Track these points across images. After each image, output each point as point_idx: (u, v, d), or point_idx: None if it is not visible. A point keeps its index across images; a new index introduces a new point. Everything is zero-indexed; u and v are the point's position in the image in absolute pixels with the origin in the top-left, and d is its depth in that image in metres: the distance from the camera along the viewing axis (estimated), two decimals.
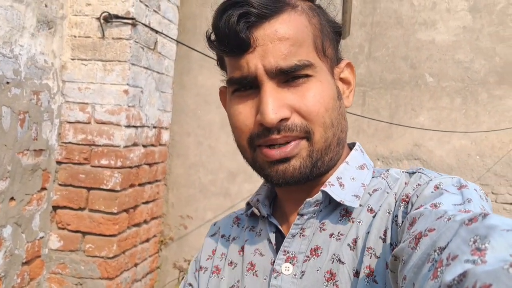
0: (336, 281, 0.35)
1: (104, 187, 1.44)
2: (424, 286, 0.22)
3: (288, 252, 0.38)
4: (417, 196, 0.33)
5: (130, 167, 1.53)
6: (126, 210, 1.52)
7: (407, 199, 0.34)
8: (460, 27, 2.44)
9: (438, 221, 0.25)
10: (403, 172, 0.39)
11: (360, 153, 0.43)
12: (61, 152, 1.47)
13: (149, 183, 1.71)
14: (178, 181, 1.89)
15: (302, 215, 0.38)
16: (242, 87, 0.37)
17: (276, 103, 0.35)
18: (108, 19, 1.43)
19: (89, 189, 1.46)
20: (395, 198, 0.36)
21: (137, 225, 1.64)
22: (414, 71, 2.42)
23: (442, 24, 2.44)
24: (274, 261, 0.39)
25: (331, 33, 0.40)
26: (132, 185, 1.56)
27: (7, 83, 1.20)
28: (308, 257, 0.37)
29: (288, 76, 0.36)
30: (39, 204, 1.39)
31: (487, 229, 0.21)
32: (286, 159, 0.36)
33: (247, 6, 0.34)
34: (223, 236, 0.47)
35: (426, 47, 2.41)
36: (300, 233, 0.38)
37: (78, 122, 1.47)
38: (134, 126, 1.54)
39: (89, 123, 1.47)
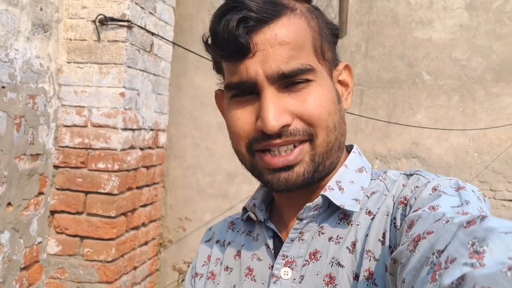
0: (335, 285, 0.35)
1: (102, 190, 1.44)
2: None
3: (287, 257, 0.38)
4: (415, 198, 0.33)
5: (128, 170, 1.52)
6: (124, 214, 1.52)
7: (405, 202, 0.34)
8: (456, 25, 2.45)
9: (436, 224, 0.25)
10: (400, 174, 0.39)
11: (358, 156, 0.43)
12: (58, 156, 1.46)
13: (147, 185, 1.70)
14: (176, 183, 1.89)
15: (301, 219, 0.38)
16: (241, 92, 0.37)
17: (277, 109, 0.34)
18: (104, 21, 1.42)
19: (86, 193, 1.45)
20: (393, 200, 0.36)
21: (136, 228, 1.63)
22: (411, 70, 2.43)
23: (438, 22, 2.44)
24: (272, 266, 0.39)
25: (329, 36, 0.39)
26: (129, 188, 1.55)
27: (3, 87, 1.19)
28: (307, 261, 0.37)
29: (289, 81, 0.35)
30: (36, 209, 1.38)
31: (485, 232, 0.21)
32: (289, 167, 0.36)
33: (246, 10, 0.33)
34: (217, 241, 0.47)
35: (423, 46, 2.41)
36: (299, 237, 0.38)
37: (75, 125, 1.46)
38: (131, 129, 1.54)
39: (85, 126, 1.46)
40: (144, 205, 1.69)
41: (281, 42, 0.34)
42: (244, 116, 0.36)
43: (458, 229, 0.23)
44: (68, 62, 1.47)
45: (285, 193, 0.39)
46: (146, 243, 1.72)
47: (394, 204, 0.36)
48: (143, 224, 1.69)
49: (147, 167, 1.70)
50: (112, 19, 1.42)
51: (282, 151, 0.36)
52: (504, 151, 2.40)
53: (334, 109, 0.37)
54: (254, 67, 0.34)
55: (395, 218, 0.34)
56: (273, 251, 0.40)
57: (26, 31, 1.28)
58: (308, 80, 0.35)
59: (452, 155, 2.41)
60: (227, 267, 0.43)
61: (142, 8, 1.53)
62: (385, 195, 0.37)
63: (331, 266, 0.35)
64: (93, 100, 1.46)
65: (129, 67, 1.47)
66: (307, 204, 0.37)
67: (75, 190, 1.45)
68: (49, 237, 1.46)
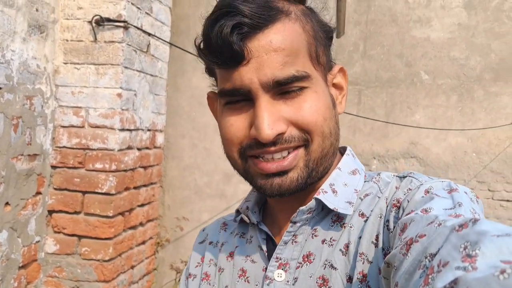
0: (329, 287, 0.35)
1: (99, 190, 1.45)
2: None
3: (280, 259, 0.38)
4: (408, 201, 0.33)
5: (125, 171, 1.53)
6: (121, 213, 1.53)
7: (398, 204, 0.34)
8: (455, 24, 2.44)
9: (429, 227, 0.25)
10: (394, 176, 0.39)
11: (351, 158, 0.42)
12: (55, 156, 1.47)
13: (144, 186, 1.71)
14: (174, 183, 1.90)
15: (294, 222, 0.38)
16: (235, 99, 0.36)
17: (271, 118, 0.34)
18: (100, 22, 1.42)
19: (84, 193, 1.46)
20: (386, 202, 0.36)
21: (133, 227, 1.64)
22: (409, 69, 2.42)
23: (437, 21, 2.43)
24: (266, 268, 0.39)
25: (324, 39, 0.39)
26: (127, 188, 1.56)
27: (0, 88, 1.20)
28: (301, 263, 0.37)
29: (283, 89, 0.35)
30: (34, 209, 1.39)
31: (477, 235, 0.21)
32: (283, 172, 0.36)
33: (240, 16, 0.33)
34: (211, 243, 0.47)
35: (421, 45, 2.40)
36: (292, 239, 0.38)
37: (72, 126, 1.47)
38: (128, 130, 1.54)
39: (83, 127, 1.47)
40: (142, 205, 1.70)
41: (276, 48, 0.34)
42: (237, 123, 0.36)
43: (450, 232, 0.23)
44: (65, 63, 1.47)
45: (278, 198, 0.39)
46: (143, 243, 1.73)
47: (387, 206, 0.36)
48: (141, 224, 1.70)
49: (145, 167, 1.70)
50: (109, 20, 1.42)
51: (276, 157, 0.36)
52: (502, 151, 2.39)
53: (330, 114, 0.37)
54: (248, 75, 0.34)
55: (388, 221, 0.34)
56: (266, 254, 0.40)
57: (22, 32, 1.29)
58: (303, 87, 0.35)
59: (450, 155, 2.41)
60: (220, 268, 0.43)
61: (138, 8, 1.53)
62: (379, 197, 0.37)
63: (324, 268, 0.36)
64: (90, 100, 1.46)
65: (126, 67, 1.48)
66: (301, 208, 0.37)
67: (72, 190, 1.46)
68: (47, 236, 1.47)
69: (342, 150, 0.44)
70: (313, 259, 0.37)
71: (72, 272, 1.46)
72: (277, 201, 0.41)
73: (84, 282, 1.45)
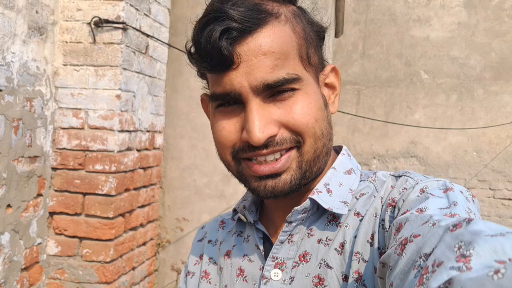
0: (324, 286, 0.35)
1: (100, 192, 1.45)
2: None
3: (277, 258, 0.38)
4: (403, 201, 0.33)
5: (125, 172, 1.54)
6: (122, 215, 1.54)
7: (393, 204, 0.34)
8: (455, 23, 2.43)
9: (423, 227, 0.25)
10: (390, 175, 0.39)
11: (347, 158, 0.42)
12: (56, 158, 1.48)
13: (144, 187, 1.72)
14: (173, 184, 1.90)
15: (290, 222, 0.38)
16: (226, 102, 0.36)
17: (262, 121, 0.34)
18: (99, 24, 1.43)
19: (84, 194, 1.47)
20: (381, 202, 0.36)
21: (134, 229, 1.65)
22: (409, 69, 2.42)
23: (436, 21, 2.43)
24: (263, 267, 0.39)
25: (315, 39, 0.39)
26: (127, 189, 1.57)
27: (0, 90, 1.21)
28: (297, 263, 0.37)
29: (274, 90, 0.35)
30: (35, 211, 1.40)
31: (471, 235, 0.21)
32: (276, 174, 0.36)
33: (229, 21, 0.33)
34: (209, 241, 0.48)
35: (420, 44, 2.40)
36: (288, 239, 0.39)
37: (72, 128, 1.48)
38: (127, 131, 1.55)
39: (82, 128, 1.47)
40: (142, 206, 1.71)
41: (265, 52, 0.34)
42: (229, 126, 0.36)
43: (444, 232, 0.23)
44: (64, 65, 1.48)
45: (272, 199, 0.39)
46: (144, 244, 1.74)
47: (382, 206, 0.36)
48: (141, 225, 1.71)
49: (144, 168, 1.71)
50: (107, 21, 1.43)
51: (269, 159, 0.36)
52: (503, 150, 2.39)
53: (321, 115, 0.37)
54: (238, 79, 0.34)
55: (383, 220, 0.34)
56: (263, 253, 0.40)
57: (22, 34, 1.29)
58: (293, 89, 0.35)
59: (450, 154, 2.40)
60: (220, 267, 0.44)
61: (137, 9, 1.54)
62: (374, 196, 0.38)
63: (320, 268, 0.36)
64: (89, 102, 1.47)
65: (124, 69, 1.48)
66: (295, 208, 0.37)
67: (73, 192, 1.47)
68: (48, 238, 1.48)
69: (338, 149, 0.44)
70: (309, 258, 0.37)
71: (73, 274, 1.46)
72: (272, 201, 0.42)
73: (86, 283, 1.46)
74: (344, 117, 2.38)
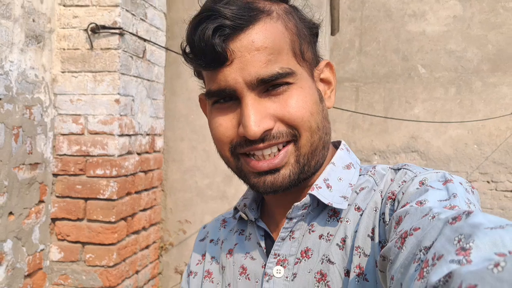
0: (327, 282, 0.35)
1: (101, 196, 1.46)
2: (411, 286, 0.22)
3: (278, 255, 0.38)
4: (403, 193, 0.33)
5: (126, 176, 1.54)
6: (124, 219, 1.54)
7: (393, 197, 0.35)
8: (450, 16, 2.43)
9: (423, 220, 0.26)
10: (389, 168, 0.39)
11: (346, 152, 0.43)
12: (56, 164, 1.48)
13: (146, 190, 1.72)
14: (175, 186, 1.91)
15: (291, 218, 0.38)
16: (222, 98, 0.37)
17: (258, 115, 0.35)
18: (96, 30, 1.44)
19: (86, 199, 1.47)
20: (381, 195, 0.36)
21: (136, 232, 1.65)
22: (406, 63, 2.42)
23: (432, 15, 2.43)
24: (265, 265, 0.39)
25: (308, 36, 0.39)
26: (128, 193, 1.57)
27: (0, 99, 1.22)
28: (299, 259, 0.37)
29: (268, 85, 0.35)
30: (38, 217, 1.41)
31: (471, 228, 0.21)
32: (275, 170, 0.36)
33: (221, 18, 0.33)
34: (211, 240, 0.48)
35: (417, 39, 2.40)
36: (290, 235, 0.39)
37: (72, 133, 1.48)
38: (127, 135, 1.55)
39: (82, 134, 1.48)
40: (144, 209, 1.71)
41: (258, 47, 0.34)
42: (225, 122, 0.37)
43: (444, 225, 0.23)
44: (62, 72, 1.49)
45: (272, 194, 0.39)
46: (147, 247, 1.74)
47: (382, 199, 0.36)
48: (144, 228, 1.71)
49: (145, 172, 1.71)
50: (104, 27, 1.43)
51: (266, 155, 0.36)
52: (503, 142, 2.38)
53: (317, 109, 0.37)
54: (232, 75, 0.34)
55: (383, 214, 0.34)
56: (265, 250, 0.40)
57: (20, 43, 1.30)
58: (288, 83, 0.35)
59: (451, 147, 2.40)
60: (222, 266, 0.44)
61: (133, 15, 1.55)
62: (374, 190, 0.38)
63: (322, 263, 0.36)
64: (88, 108, 1.48)
65: (122, 74, 1.49)
66: (295, 204, 0.38)
67: (74, 197, 1.47)
68: (51, 244, 1.48)
69: (337, 144, 0.44)
70: (311, 254, 0.37)
71: (77, 279, 1.46)
72: (273, 197, 0.42)
73: None
74: (343, 114, 2.38)
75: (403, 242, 0.25)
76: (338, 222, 0.37)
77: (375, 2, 2.56)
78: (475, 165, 2.52)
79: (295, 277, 0.37)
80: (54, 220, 1.48)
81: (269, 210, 0.43)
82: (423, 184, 0.33)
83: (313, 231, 0.38)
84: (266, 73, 0.34)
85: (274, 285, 0.37)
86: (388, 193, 0.35)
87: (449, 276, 0.18)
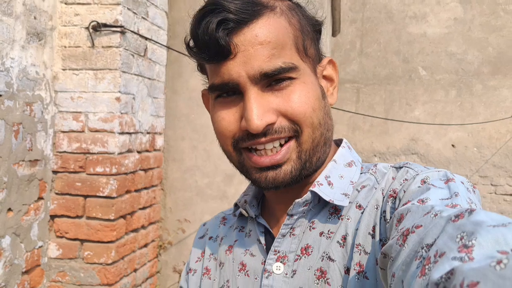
0: (327, 279, 0.35)
1: (101, 194, 1.46)
2: (412, 283, 0.22)
3: (278, 252, 0.38)
4: (404, 192, 0.33)
5: (126, 174, 1.54)
6: (123, 216, 1.54)
7: (394, 195, 0.35)
8: (451, 18, 2.44)
9: (425, 218, 0.26)
10: (390, 166, 0.39)
11: (347, 150, 0.43)
12: (56, 161, 1.48)
13: (145, 188, 1.72)
14: (175, 185, 1.90)
15: (291, 215, 0.38)
16: (225, 92, 0.37)
17: (261, 109, 0.35)
18: (97, 28, 1.44)
19: (85, 197, 1.47)
20: (382, 193, 0.36)
21: (135, 230, 1.65)
22: (407, 65, 2.42)
23: (433, 17, 2.44)
24: (265, 261, 0.39)
25: (311, 32, 0.39)
26: (128, 191, 1.57)
27: (0, 95, 1.22)
28: (299, 256, 0.37)
29: (271, 80, 0.35)
30: (36, 214, 1.40)
31: (473, 226, 0.21)
32: (276, 166, 0.36)
33: (225, 12, 0.34)
34: (211, 238, 0.48)
35: (418, 41, 2.41)
36: (290, 232, 0.39)
37: (72, 131, 1.48)
38: (127, 133, 1.55)
39: (82, 131, 1.48)
40: (143, 208, 1.71)
41: (261, 42, 0.34)
42: (228, 116, 0.37)
43: (446, 223, 0.23)
44: (63, 69, 1.49)
45: (274, 190, 0.39)
46: (146, 245, 1.74)
47: (383, 197, 0.36)
48: (143, 227, 1.71)
49: (145, 170, 1.71)
50: (105, 25, 1.44)
51: (269, 150, 0.36)
52: (503, 145, 2.38)
53: (319, 105, 0.37)
54: (236, 69, 0.35)
55: (384, 212, 0.34)
56: (265, 247, 0.40)
57: (21, 40, 1.31)
58: (291, 78, 0.36)
59: (451, 150, 2.40)
60: (220, 263, 0.44)
61: (134, 13, 1.55)
62: (375, 188, 0.38)
63: (322, 260, 0.36)
64: (89, 105, 1.48)
65: (123, 72, 1.49)
66: (296, 200, 0.38)
67: (74, 194, 1.47)
68: (49, 241, 1.48)
69: (338, 142, 0.44)
70: (311, 251, 0.37)
71: (75, 277, 1.46)
72: (274, 194, 0.42)
73: (87, 286, 1.45)
74: (344, 115, 2.39)
75: (405, 239, 0.25)
76: (339, 219, 0.37)
77: (376, 4, 2.56)
78: (475, 168, 2.52)
79: (294, 273, 0.37)
80: (53, 217, 1.48)
81: (270, 206, 0.43)
82: (424, 182, 0.33)
83: (313, 228, 0.38)
84: (269, 67, 0.34)
85: (274, 281, 0.37)
86: (390, 191, 0.35)
87: (451, 273, 0.18)
